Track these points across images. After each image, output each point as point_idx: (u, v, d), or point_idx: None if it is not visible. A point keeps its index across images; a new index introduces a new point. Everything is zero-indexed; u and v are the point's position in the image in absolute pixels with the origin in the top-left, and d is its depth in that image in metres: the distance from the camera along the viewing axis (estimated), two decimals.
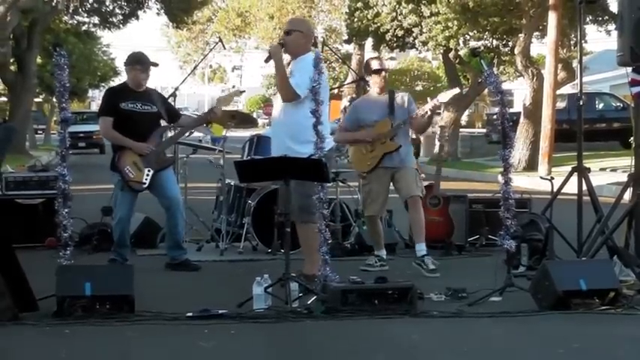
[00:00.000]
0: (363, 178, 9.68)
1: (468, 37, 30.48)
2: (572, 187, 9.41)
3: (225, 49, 49.92)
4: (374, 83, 9.61)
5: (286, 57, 8.62)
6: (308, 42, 8.52)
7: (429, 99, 10.13)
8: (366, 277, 7.67)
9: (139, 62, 9.40)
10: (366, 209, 9.68)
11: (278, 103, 8.50)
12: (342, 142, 10.20)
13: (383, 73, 9.51)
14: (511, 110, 8.82)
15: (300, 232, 8.40)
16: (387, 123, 9.42)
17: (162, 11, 36.73)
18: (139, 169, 9.25)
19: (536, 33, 28.68)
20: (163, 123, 9.54)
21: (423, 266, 9.09)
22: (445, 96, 9.57)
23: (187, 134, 10.47)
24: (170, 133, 9.73)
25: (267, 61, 8.50)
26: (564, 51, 27.63)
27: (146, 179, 9.27)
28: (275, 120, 8.58)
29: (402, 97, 9.61)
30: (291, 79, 8.24)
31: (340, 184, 10.92)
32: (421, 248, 9.24)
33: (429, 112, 9.39)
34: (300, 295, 7.40)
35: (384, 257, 9.49)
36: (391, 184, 9.54)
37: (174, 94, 10.75)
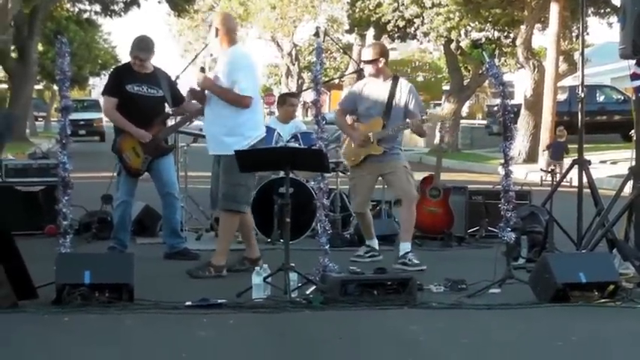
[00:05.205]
0: (350, 172, 9.57)
1: (470, 29, 30.48)
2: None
3: None
4: (368, 73, 9.18)
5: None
6: (229, 34, 8.51)
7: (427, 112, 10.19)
8: (365, 268, 7.66)
9: (142, 51, 9.21)
10: (351, 205, 9.83)
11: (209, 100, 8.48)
12: (337, 126, 9.78)
13: (377, 64, 9.01)
14: (512, 102, 8.77)
15: (221, 219, 8.53)
16: (379, 122, 9.01)
17: None
18: (137, 155, 9.22)
19: (538, 25, 28.65)
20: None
21: (407, 262, 8.70)
22: (433, 117, 9.92)
23: (188, 123, 10.43)
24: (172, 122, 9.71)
25: (196, 95, 8.67)
26: (566, 43, 27.61)
27: (143, 166, 9.25)
28: (207, 115, 8.54)
29: (404, 92, 9.03)
30: (236, 87, 8.25)
31: (340, 174, 10.91)
32: (406, 247, 8.85)
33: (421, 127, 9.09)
34: (300, 285, 7.40)
35: (375, 247, 9.29)
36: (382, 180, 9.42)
37: (175, 83, 10.69)
